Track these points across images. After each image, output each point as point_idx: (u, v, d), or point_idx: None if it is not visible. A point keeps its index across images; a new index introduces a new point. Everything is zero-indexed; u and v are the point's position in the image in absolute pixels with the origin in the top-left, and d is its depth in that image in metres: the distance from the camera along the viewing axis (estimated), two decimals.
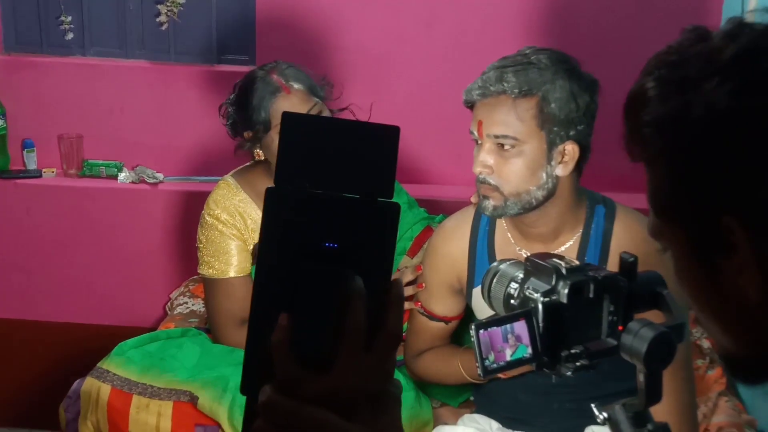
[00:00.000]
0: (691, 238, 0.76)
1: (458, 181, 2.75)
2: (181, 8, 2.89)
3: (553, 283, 0.97)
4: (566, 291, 0.95)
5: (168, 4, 2.87)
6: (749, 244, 0.71)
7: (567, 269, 0.97)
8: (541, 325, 0.94)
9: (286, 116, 0.68)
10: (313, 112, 2.14)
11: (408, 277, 2.16)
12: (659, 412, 1.36)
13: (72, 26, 2.95)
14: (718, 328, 0.79)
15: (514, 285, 1.03)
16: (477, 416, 1.95)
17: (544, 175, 1.71)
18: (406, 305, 2.18)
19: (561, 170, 1.70)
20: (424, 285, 2.02)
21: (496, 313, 1.06)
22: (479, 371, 0.97)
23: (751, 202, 0.71)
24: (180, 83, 2.95)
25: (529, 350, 0.95)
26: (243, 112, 2.18)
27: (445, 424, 2.00)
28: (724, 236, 0.72)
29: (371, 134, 0.70)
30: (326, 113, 2.19)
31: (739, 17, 0.76)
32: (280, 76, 2.16)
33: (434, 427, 2.01)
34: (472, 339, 0.96)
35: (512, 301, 1.02)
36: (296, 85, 2.16)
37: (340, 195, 0.68)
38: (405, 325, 2.24)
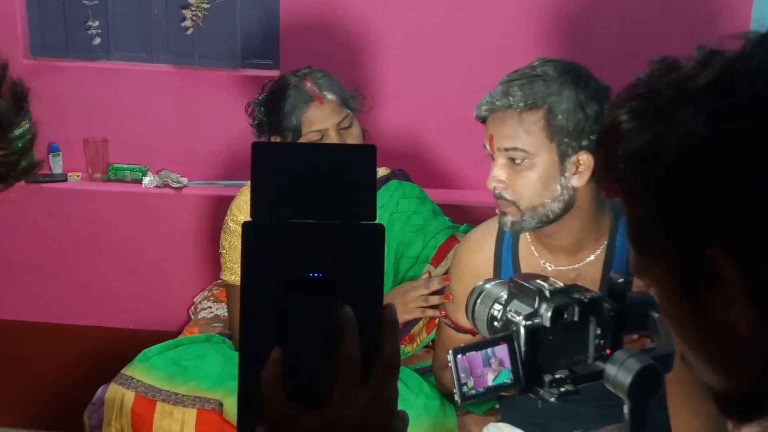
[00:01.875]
0: (675, 274, 0.74)
1: (482, 186, 2.76)
2: (206, 13, 2.91)
3: (536, 305, 0.95)
4: (549, 314, 0.94)
5: (193, 9, 2.90)
6: (737, 274, 0.68)
7: (551, 291, 0.95)
8: (523, 349, 0.92)
9: (255, 146, 0.67)
10: (345, 123, 2.18)
11: (435, 286, 2.18)
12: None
13: (98, 31, 2.99)
14: (708, 366, 0.76)
15: (497, 306, 1.02)
16: (502, 425, 1.95)
17: (558, 187, 1.72)
18: (431, 312, 2.20)
19: (576, 181, 1.71)
20: (450, 296, 2.03)
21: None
22: (456, 398, 0.96)
23: (736, 230, 0.68)
24: (204, 87, 3.00)
25: (512, 375, 0.92)
26: (273, 115, 2.20)
27: (470, 431, 2.04)
28: (711, 268, 0.69)
29: (347, 156, 0.70)
30: (356, 125, 2.22)
31: (709, 46, 0.73)
32: (314, 85, 2.19)
33: None
34: (450, 364, 0.95)
35: (495, 323, 1.01)
36: (329, 95, 2.18)
37: (320, 222, 0.67)
38: (432, 335, 2.27)
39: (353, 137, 2.22)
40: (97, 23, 3.00)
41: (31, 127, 2.83)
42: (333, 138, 2.17)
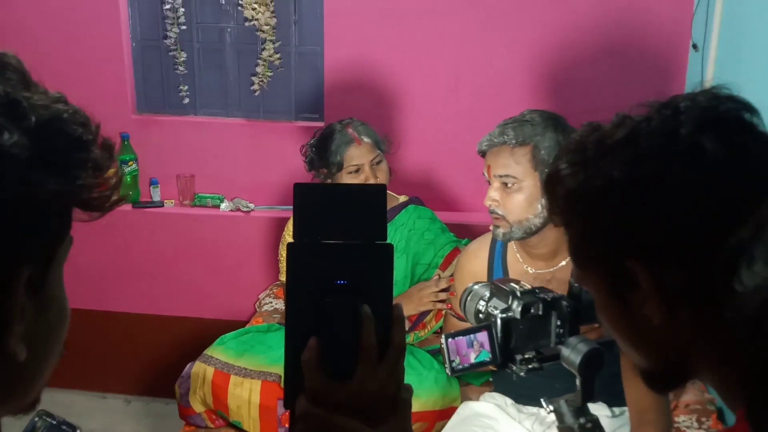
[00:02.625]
0: (604, 280, 0.74)
1: (479, 209, 2.76)
2: (270, 79, 2.94)
3: (510, 302, 0.96)
4: (519, 309, 0.95)
5: (260, 76, 2.93)
6: (649, 279, 0.69)
7: (521, 292, 0.96)
8: (499, 335, 0.93)
9: (297, 186, 0.67)
10: (376, 160, 2.19)
11: (443, 285, 2.20)
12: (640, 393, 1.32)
13: (188, 93, 3.03)
14: (633, 349, 0.76)
15: (482, 302, 1.02)
16: (495, 394, 1.97)
17: (539, 206, 1.72)
18: (440, 306, 2.22)
19: None
20: (454, 293, 2.04)
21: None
22: (447, 371, 0.97)
23: (646, 246, 0.69)
24: (267, 135, 3.01)
25: (490, 355, 0.93)
26: (322, 153, 2.20)
27: (470, 399, 2.04)
28: (629, 276, 0.70)
29: (365, 193, 0.71)
30: (385, 162, 2.23)
31: (624, 113, 0.75)
32: (354, 131, 2.20)
33: (461, 401, 2.05)
34: (442, 346, 0.96)
35: (480, 315, 1.01)
36: (366, 139, 2.20)
37: (345, 242, 0.67)
38: (440, 323, 2.27)
39: (382, 171, 2.24)
40: (186, 87, 3.04)
41: (136, 166, 2.87)
42: (367, 171, 2.18)
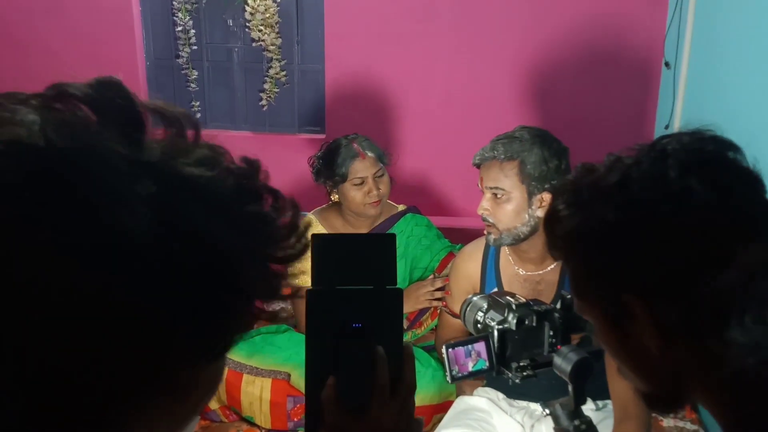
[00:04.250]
0: (603, 312, 0.73)
1: (470, 214, 2.75)
2: (276, 95, 2.96)
3: (506, 314, 0.97)
4: (515, 321, 0.95)
5: (267, 92, 2.93)
6: (645, 312, 0.68)
7: (516, 305, 0.97)
8: (496, 345, 0.94)
9: (315, 237, 0.66)
10: (379, 173, 2.18)
11: (438, 284, 2.18)
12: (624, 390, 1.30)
13: (199, 108, 3.04)
14: (633, 374, 0.74)
15: (480, 313, 1.03)
16: (488, 389, 1.96)
17: (526, 215, 1.73)
18: (435, 304, 2.20)
19: (540, 212, 1.72)
20: (449, 292, 2.04)
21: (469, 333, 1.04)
22: (448, 378, 0.98)
23: (640, 282, 0.68)
24: (273, 147, 3.02)
25: (487, 363, 0.94)
26: (328, 166, 2.19)
27: (464, 392, 2.01)
28: (626, 309, 0.69)
29: (376, 243, 0.70)
30: (386, 174, 2.22)
31: (616, 154, 0.75)
32: (359, 146, 2.17)
33: (456, 396, 2.03)
34: (443, 355, 0.97)
35: (478, 325, 1.02)
36: (369, 153, 2.17)
37: (359, 288, 0.67)
38: (436, 321, 2.28)
39: (384, 183, 2.24)
40: (198, 103, 3.05)
41: None
42: (370, 183, 2.18)
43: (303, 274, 0.55)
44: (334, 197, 2.24)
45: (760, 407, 0.66)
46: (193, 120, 0.47)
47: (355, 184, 2.18)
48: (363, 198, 2.18)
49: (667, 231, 0.67)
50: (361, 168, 2.18)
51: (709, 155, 0.70)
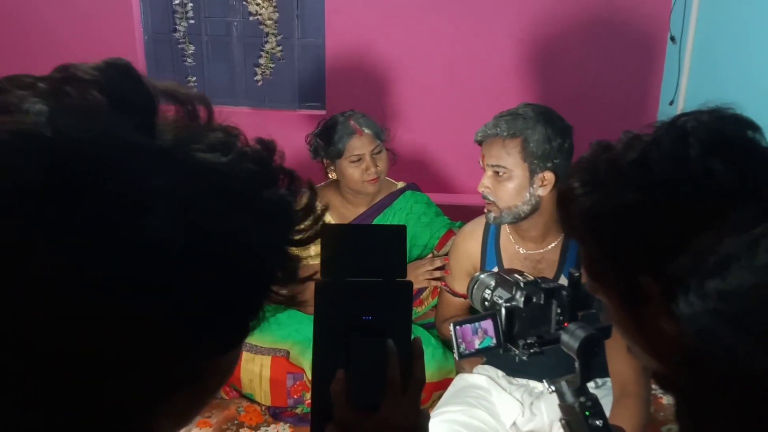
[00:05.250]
0: (618, 293, 0.72)
1: (472, 191, 2.77)
2: (272, 70, 2.92)
3: (513, 292, 0.96)
4: (522, 299, 0.95)
5: (263, 67, 2.91)
6: (660, 294, 0.67)
7: (524, 283, 0.96)
8: (503, 323, 0.93)
9: (324, 227, 0.63)
10: (376, 150, 2.15)
11: (437, 263, 2.18)
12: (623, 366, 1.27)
13: (196, 84, 3.00)
14: (646, 355, 0.74)
15: (487, 291, 1.02)
16: (487, 367, 1.95)
17: (527, 194, 1.71)
18: (435, 283, 2.20)
19: (541, 191, 1.71)
20: (449, 271, 2.02)
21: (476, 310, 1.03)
22: (455, 355, 0.97)
23: (657, 264, 0.67)
24: (272, 123, 2.98)
25: (494, 341, 0.93)
26: (326, 143, 2.17)
27: (464, 369, 2.01)
28: (642, 290, 0.68)
29: (386, 232, 0.69)
30: (384, 151, 2.20)
31: (633, 132, 0.73)
32: (356, 123, 2.15)
33: (456, 374, 2.04)
34: (451, 333, 0.96)
35: (486, 303, 1.01)
36: (366, 130, 2.15)
37: (368, 280, 0.66)
38: (436, 300, 2.28)
39: (382, 160, 2.21)
40: (194, 78, 3.02)
41: None
42: (368, 160, 2.15)
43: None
44: (332, 175, 2.22)
45: None
46: (206, 101, 0.47)
47: (353, 162, 2.15)
48: (361, 175, 2.15)
49: (688, 213, 0.66)
50: (358, 145, 2.14)
51: (730, 136, 0.68)
